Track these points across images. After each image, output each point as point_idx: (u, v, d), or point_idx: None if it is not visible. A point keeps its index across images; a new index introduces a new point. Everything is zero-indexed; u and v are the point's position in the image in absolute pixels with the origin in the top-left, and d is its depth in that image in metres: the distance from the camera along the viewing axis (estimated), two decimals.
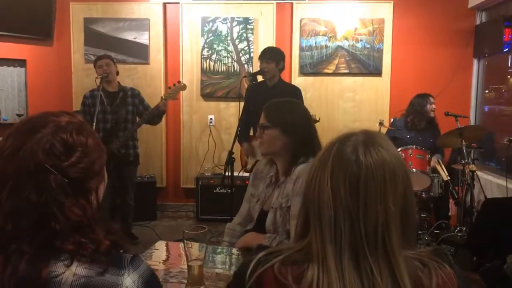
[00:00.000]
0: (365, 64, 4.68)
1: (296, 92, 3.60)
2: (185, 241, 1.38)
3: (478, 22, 4.64)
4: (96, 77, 3.53)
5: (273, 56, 3.52)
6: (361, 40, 4.66)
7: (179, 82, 3.64)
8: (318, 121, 3.69)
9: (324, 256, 0.76)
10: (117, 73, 3.69)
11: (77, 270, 0.80)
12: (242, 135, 3.58)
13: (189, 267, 1.38)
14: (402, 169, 0.81)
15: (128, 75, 4.69)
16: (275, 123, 1.76)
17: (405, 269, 0.76)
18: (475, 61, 4.71)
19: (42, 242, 0.80)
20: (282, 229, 1.75)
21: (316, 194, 0.80)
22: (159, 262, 1.67)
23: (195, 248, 1.37)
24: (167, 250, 1.89)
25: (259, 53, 3.64)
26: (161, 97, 3.57)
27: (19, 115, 4.50)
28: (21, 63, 4.63)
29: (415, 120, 3.99)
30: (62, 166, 0.82)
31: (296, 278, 0.77)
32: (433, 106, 3.98)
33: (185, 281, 1.43)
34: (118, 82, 3.70)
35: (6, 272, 0.77)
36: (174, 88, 3.57)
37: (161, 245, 1.90)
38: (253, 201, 1.94)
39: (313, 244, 0.79)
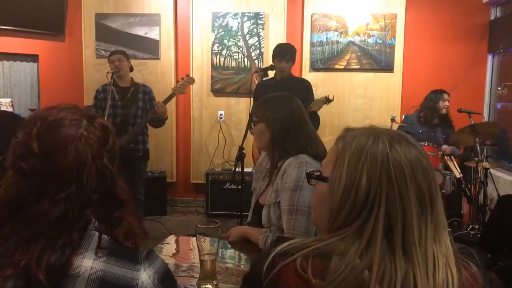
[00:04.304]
0: (377, 60, 4.63)
1: (306, 87, 3.55)
2: (198, 235, 1.37)
3: (492, 17, 4.56)
4: (108, 72, 3.55)
5: (293, 57, 3.52)
6: (372, 36, 4.61)
7: (187, 76, 3.65)
8: (331, 100, 3.37)
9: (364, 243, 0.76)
10: (131, 68, 3.69)
11: (94, 263, 0.79)
12: None
13: (202, 261, 1.38)
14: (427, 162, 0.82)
15: (139, 70, 4.70)
16: (261, 117, 1.80)
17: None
18: (490, 57, 4.63)
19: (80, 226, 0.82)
20: (277, 224, 1.74)
21: (354, 183, 0.79)
22: (170, 256, 1.67)
23: (207, 243, 1.37)
24: (178, 245, 1.89)
25: (272, 49, 3.61)
26: (172, 89, 3.61)
27: (31, 110, 4.54)
28: (34, 58, 4.68)
29: (427, 116, 3.96)
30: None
31: (317, 272, 0.74)
32: (446, 103, 3.95)
33: (196, 276, 1.43)
34: (132, 78, 3.71)
35: (43, 260, 0.77)
36: (183, 82, 3.60)
37: (171, 240, 1.91)
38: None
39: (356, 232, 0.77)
